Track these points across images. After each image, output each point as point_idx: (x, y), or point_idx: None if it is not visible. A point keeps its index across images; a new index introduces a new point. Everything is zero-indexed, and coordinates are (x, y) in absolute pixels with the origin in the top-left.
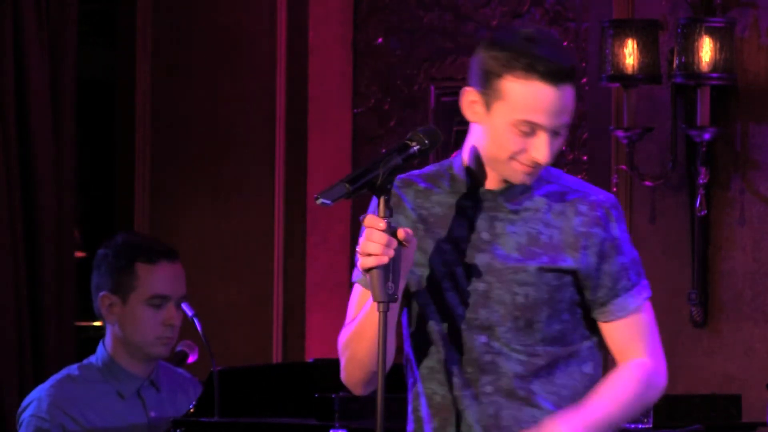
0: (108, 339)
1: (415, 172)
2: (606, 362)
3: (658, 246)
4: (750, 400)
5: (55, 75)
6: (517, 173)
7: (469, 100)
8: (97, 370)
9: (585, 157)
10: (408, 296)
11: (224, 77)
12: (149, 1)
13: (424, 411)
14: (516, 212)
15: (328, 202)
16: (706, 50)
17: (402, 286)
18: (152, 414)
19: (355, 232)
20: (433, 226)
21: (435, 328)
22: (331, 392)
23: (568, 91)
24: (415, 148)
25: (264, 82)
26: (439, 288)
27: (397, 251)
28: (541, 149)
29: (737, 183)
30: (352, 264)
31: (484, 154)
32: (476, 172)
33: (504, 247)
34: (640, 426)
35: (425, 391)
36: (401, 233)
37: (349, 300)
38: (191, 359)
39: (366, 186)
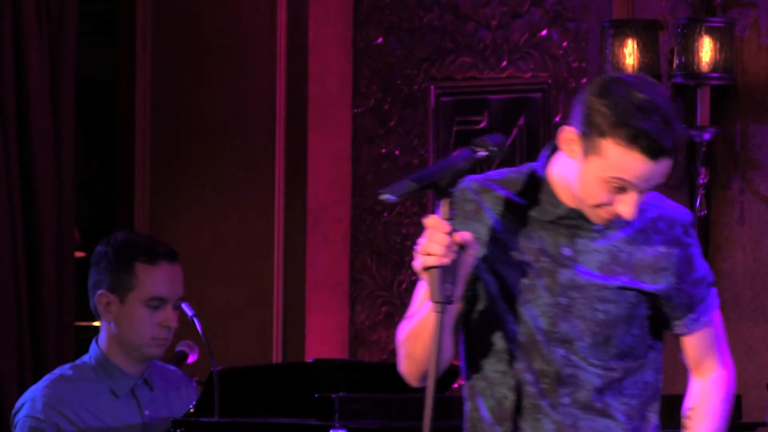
0: (102, 337)
1: (490, 176)
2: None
3: None
4: (750, 400)
5: (55, 75)
6: (598, 218)
7: (568, 138)
8: (90, 368)
9: None
10: (473, 301)
11: (224, 77)
12: (149, 0)
13: (486, 413)
14: (598, 231)
15: (393, 198)
16: (706, 50)
17: (460, 290)
18: (147, 413)
19: (355, 231)
20: (513, 236)
21: (511, 336)
22: (331, 392)
23: (665, 164)
24: (482, 154)
25: (264, 82)
26: (518, 298)
27: (458, 254)
28: (628, 207)
29: (737, 183)
30: (352, 263)
31: (572, 187)
32: (560, 188)
33: (586, 264)
34: None
35: (494, 395)
36: (460, 237)
37: (413, 295)
38: (191, 359)
39: (430, 186)
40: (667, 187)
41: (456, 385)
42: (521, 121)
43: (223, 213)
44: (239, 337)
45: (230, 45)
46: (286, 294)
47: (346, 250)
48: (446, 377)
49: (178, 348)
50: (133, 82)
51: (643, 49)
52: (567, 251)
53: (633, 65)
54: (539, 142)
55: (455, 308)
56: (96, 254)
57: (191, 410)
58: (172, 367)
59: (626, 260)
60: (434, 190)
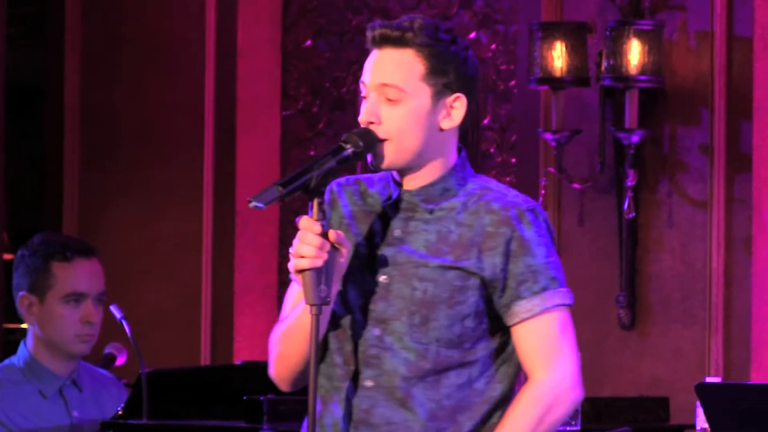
0: (29, 339)
1: (373, 175)
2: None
3: (586, 248)
4: (678, 403)
5: None
6: None
7: None
8: (18, 370)
9: (513, 160)
10: None
11: (153, 79)
12: (79, 3)
13: (317, 407)
14: (431, 212)
15: (260, 205)
16: (635, 53)
17: (335, 289)
18: (75, 414)
19: (284, 234)
20: (359, 223)
21: (337, 321)
22: (260, 394)
23: (388, 53)
24: (350, 150)
25: (193, 84)
26: (346, 281)
27: (331, 254)
28: (362, 110)
29: (665, 185)
30: (282, 266)
31: None
32: (402, 173)
33: (412, 244)
34: (567, 428)
35: (318, 386)
36: (333, 235)
37: (285, 296)
38: (120, 361)
39: (299, 189)
40: (595, 189)
41: None
42: None
43: (152, 215)
44: (168, 339)
45: (159, 47)
46: (214, 296)
47: (274, 253)
48: None
49: (107, 350)
50: (62, 84)
51: (572, 51)
52: (397, 232)
53: (561, 68)
54: (468, 145)
55: (330, 308)
56: (16, 258)
57: (119, 412)
58: (101, 370)
59: (455, 240)
60: (304, 192)
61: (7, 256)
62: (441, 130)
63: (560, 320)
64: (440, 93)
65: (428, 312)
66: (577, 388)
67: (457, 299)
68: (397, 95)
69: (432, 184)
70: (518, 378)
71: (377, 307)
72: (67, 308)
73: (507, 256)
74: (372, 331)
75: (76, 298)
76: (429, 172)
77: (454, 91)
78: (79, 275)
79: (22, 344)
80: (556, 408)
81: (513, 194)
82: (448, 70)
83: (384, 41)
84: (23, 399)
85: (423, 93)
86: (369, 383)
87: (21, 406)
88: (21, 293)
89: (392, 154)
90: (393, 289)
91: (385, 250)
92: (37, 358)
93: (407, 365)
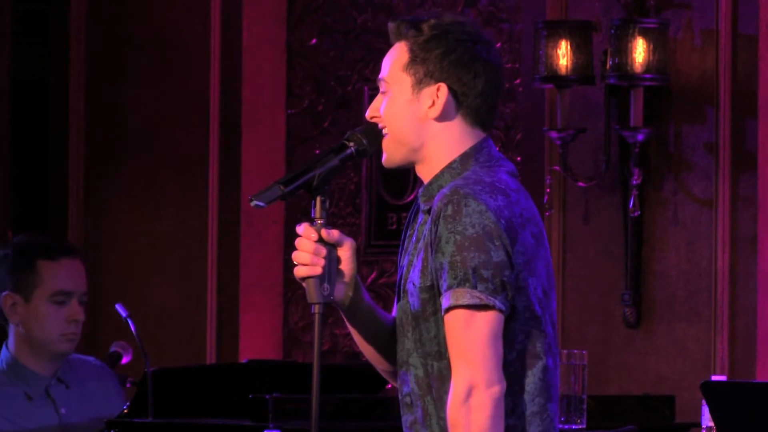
0: (11, 340)
1: None
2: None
3: (591, 247)
4: (683, 401)
5: None
6: None
7: None
8: (2, 373)
9: (518, 158)
10: None
11: (158, 77)
12: (83, 1)
13: None
14: (428, 212)
15: (262, 204)
16: (640, 51)
17: (342, 287)
18: (63, 411)
19: (289, 232)
20: (406, 233)
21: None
22: (265, 393)
23: (391, 48)
24: (353, 148)
25: (198, 83)
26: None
27: (331, 254)
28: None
29: (670, 184)
30: (287, 264)
31: None
32: (418, 174)
33: (405, 253)
34: (573, 426)
35: None
36: (325, 234)
37: None
38: (125, 360)
39: (301, 187)
40: (600, 187)
41: (389, 386)
42: None
43: (157, 213)
44: (173, 338)
45: (164, 45)
46: (220, 295)
47: (280, 251)
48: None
49: (112, 349)
50: (67, 82)
51: (577, 50)
52: (413, 238)
53: (566, 66)
54: None
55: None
56: None
57: (125, 411)
58: (91, 358)
59: (420, 248)
60: (306, 191)
61: None
62: (432, 121)
63: (460, 321)
64: (421, 82)
65: (417, 325)
66: (482, 392)
67: (429, 310)
68: (386, 87)
69: (431, 183)
70: (518, 381)
71: (396, 319)
72: (53, 307)
73: (434, 251)
74: (400, 344)
75: (63, 297)
76: (430, 169)
77: (437, 81)
78: (66, 274)
79: (3, 347)
80: (476, 416)
81: (455, 185)
82: (428, 58)
83: (392, 36)
84: (8, 403)
85: (404, 82)
86: (405, 389)
87: (6, 410)
88: (5, 293)
89: (387, 147)
90: (399, 304)
91: (402, 259)
92: (20, 359)
93: (416, 380)
